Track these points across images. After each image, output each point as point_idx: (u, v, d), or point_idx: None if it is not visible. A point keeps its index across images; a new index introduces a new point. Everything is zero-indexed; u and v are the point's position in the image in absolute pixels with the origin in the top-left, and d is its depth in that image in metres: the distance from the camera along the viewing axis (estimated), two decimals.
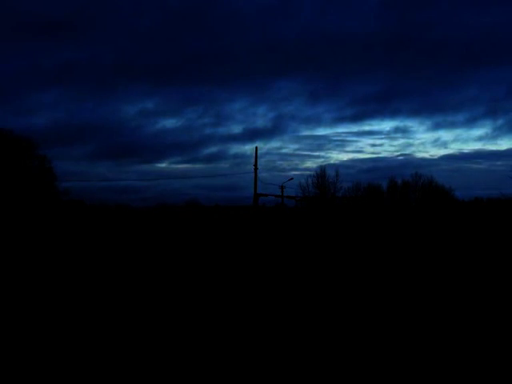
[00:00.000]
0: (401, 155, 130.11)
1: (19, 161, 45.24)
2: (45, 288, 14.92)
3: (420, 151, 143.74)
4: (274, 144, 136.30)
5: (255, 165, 50.84)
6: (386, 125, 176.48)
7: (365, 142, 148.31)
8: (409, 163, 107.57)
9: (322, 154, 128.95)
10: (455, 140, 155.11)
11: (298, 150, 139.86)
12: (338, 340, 9.47)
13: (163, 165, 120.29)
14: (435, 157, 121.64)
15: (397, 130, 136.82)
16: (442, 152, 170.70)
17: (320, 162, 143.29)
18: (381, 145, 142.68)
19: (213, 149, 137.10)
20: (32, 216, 41.72)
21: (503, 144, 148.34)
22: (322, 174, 60.10)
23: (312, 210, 58.07)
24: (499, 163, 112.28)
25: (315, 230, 43.50)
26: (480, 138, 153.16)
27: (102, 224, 47.80)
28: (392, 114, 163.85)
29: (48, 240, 31.05)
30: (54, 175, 50.78)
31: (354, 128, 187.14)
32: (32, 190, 45.50)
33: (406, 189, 65.54)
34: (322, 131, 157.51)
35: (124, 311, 11.83)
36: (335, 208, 57.57)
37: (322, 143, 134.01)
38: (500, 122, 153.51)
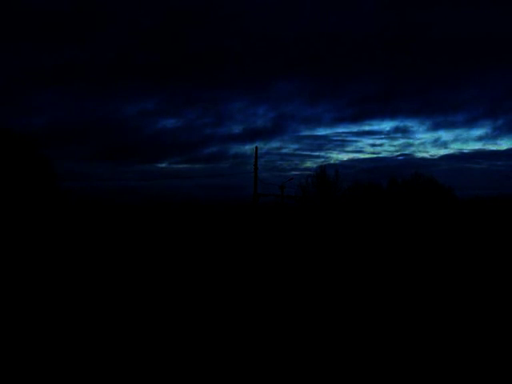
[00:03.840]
0: (401, 155, 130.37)
1: (19, 160, 45.19)
2: (46, 288, 14.91)
3: (420, 151, 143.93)
4: (273, 144, 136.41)
5: (255, 165, 50.81)
6: (386, 125, 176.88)
7: (365, 142, 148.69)
8: (409, 163, 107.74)
9: (321, 154, 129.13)
10: (455, 140, 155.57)
11: (298, 149, 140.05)
12: (338, 339, 9.47)
13: (163, 165, 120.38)
14: (435, 157, 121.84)
15: (397, 129, 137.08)
16: (442, 152, 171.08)
17: (320, 162, 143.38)
18: (381, 145, 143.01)
19: (213, 149, 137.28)
20: (33, 216, 41.70)
21: (503, 144, 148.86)
22: (321, 173, 60.18)
23: (312, 209, 58.04)
24: (499, 163, 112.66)
25: (315, 230, 43.45)
26: (480, 138, 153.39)
27: (102, 224, 47.77)
28: (392, 114, 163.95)
29: (49, 239, 31.02)
30: (55, 175, 50.69)
31: (354, 128, 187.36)
32: (32, 189, 45.47)
33: (406, 189, 65.47)
34: (322, 131, 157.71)
35: (124, 311, 11.82)
36: (335, 207, 57.54)
37: (322, 143, 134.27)
38: (500, 121, 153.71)
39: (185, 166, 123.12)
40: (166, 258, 22.80)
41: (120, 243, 30.82)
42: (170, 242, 31.82)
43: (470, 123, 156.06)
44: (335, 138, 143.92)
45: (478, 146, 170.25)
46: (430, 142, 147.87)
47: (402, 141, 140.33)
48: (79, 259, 22.02)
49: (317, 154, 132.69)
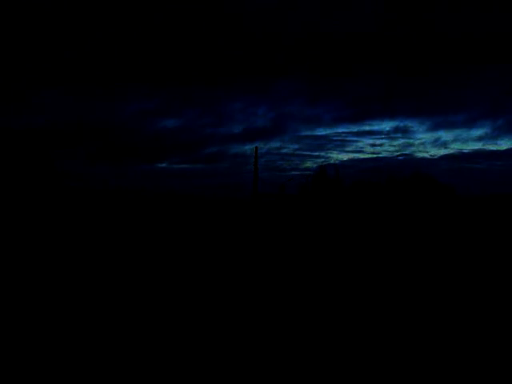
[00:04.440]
0: (401, 155, 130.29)
1: (20, 160, 45.28)
2: (47, 284, 14.92)
3: (420, 151, 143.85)
4: (273, 144, 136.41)
5: (255, 165, 51.03)
6: (386, 125, 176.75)
7: (365, 142, 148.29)
8: (409, 163, 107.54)
9: (321, 153, 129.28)
10: (455, 140, 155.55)
11: (298, 150, 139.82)
12: (339, 340, 9.47)
13: (163, 165, 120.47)
14: (435, 157, 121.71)
15: (397, 129, 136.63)
16: (442, 152, 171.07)
17: (320, 162, 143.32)
18: (381, 145, 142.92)
19: (213, 149, 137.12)
20: (33, 216, 41.76)
21: (503, 144, 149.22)
22: (321, 173, 60.45)
23: (310, 205, 58.19)
24: (499, 163, 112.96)
25: (315, 227, 43.48)
26: (480, 138, 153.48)
27: (102, 223, 47.83)
28: (392, 113, 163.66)
29: (51, 238, 31.05)
30: (55, 175, 50.74)
31: (354, 128, 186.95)
32: (33, 189, 45.54)
33: (407, 188, 65.68)
34: (322, 131, 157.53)
35: (120, 307, 11.82)
36: (335, 205, 57.67)
37: (322, 143, 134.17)
38: (500, 122, 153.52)
39: (185, 166, 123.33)
40: (166, 250, 22.81)
41: (119, 242, 30.82)
42: (169, 236, 31.82)
43: (469, 123, 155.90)
44: (335, 138, 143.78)
45: (477, 145, 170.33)
46: (430, 142, 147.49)
47: (401, 141, 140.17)
48: (80, 257, 22.03)
49: (317, 153, 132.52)
